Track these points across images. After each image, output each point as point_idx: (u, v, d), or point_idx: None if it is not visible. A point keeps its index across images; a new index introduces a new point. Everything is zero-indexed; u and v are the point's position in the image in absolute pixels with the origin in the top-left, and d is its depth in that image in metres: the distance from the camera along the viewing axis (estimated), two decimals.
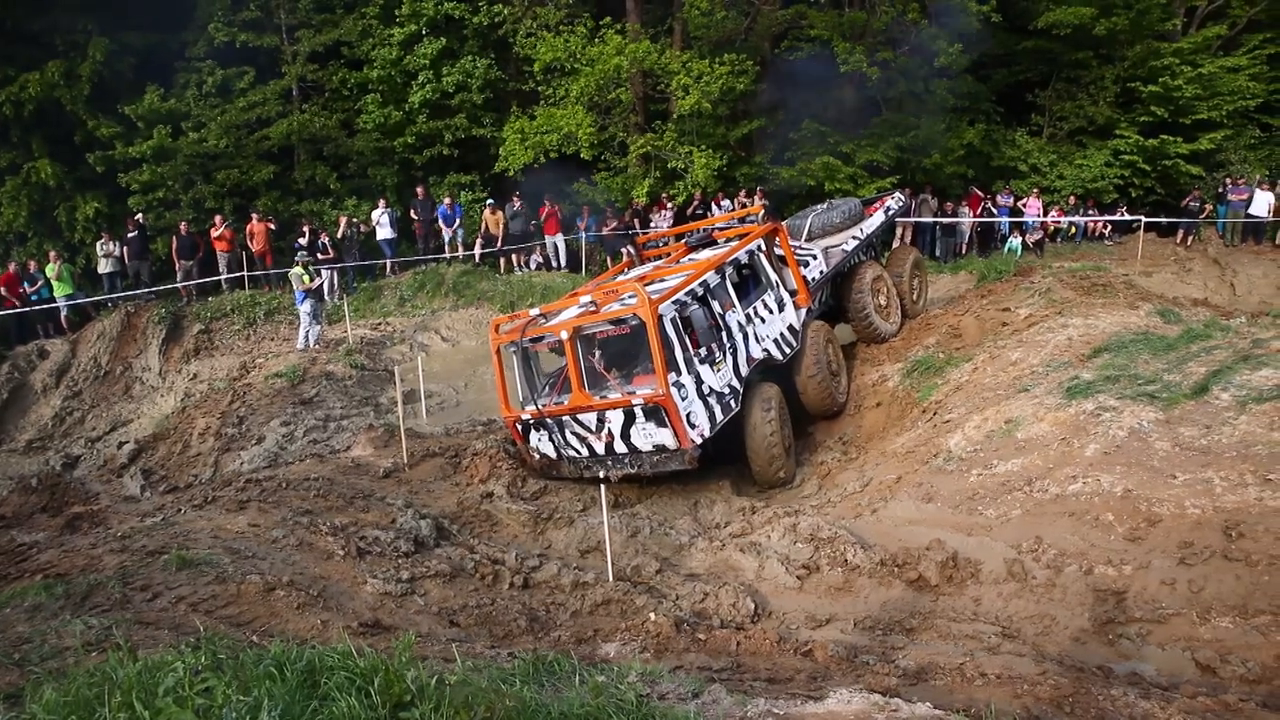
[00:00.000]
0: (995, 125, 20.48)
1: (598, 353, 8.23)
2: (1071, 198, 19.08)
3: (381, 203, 17.44)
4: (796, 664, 4.78)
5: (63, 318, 15.32)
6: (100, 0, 17.06)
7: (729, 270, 9.06)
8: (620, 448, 7.99)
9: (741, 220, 11.85)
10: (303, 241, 15.70)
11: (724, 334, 8.48)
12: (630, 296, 7.93)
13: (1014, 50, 19.79)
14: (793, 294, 9.77)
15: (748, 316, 8.95)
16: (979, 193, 18.93)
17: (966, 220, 18.63)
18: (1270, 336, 7.80)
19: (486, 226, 17.50)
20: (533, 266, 17.97)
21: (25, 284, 15.00)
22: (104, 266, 15.81)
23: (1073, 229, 19.13)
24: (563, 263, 17.85)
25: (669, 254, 11.44)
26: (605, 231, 17.47)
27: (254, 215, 16.65)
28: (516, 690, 3.17)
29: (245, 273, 16.36)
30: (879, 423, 9.46)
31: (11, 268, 15.04)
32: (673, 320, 7.86)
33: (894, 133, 18.57)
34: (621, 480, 8.28)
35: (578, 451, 8.27)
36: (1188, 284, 15.98)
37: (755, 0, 18.81)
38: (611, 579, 6.35)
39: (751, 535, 6.78)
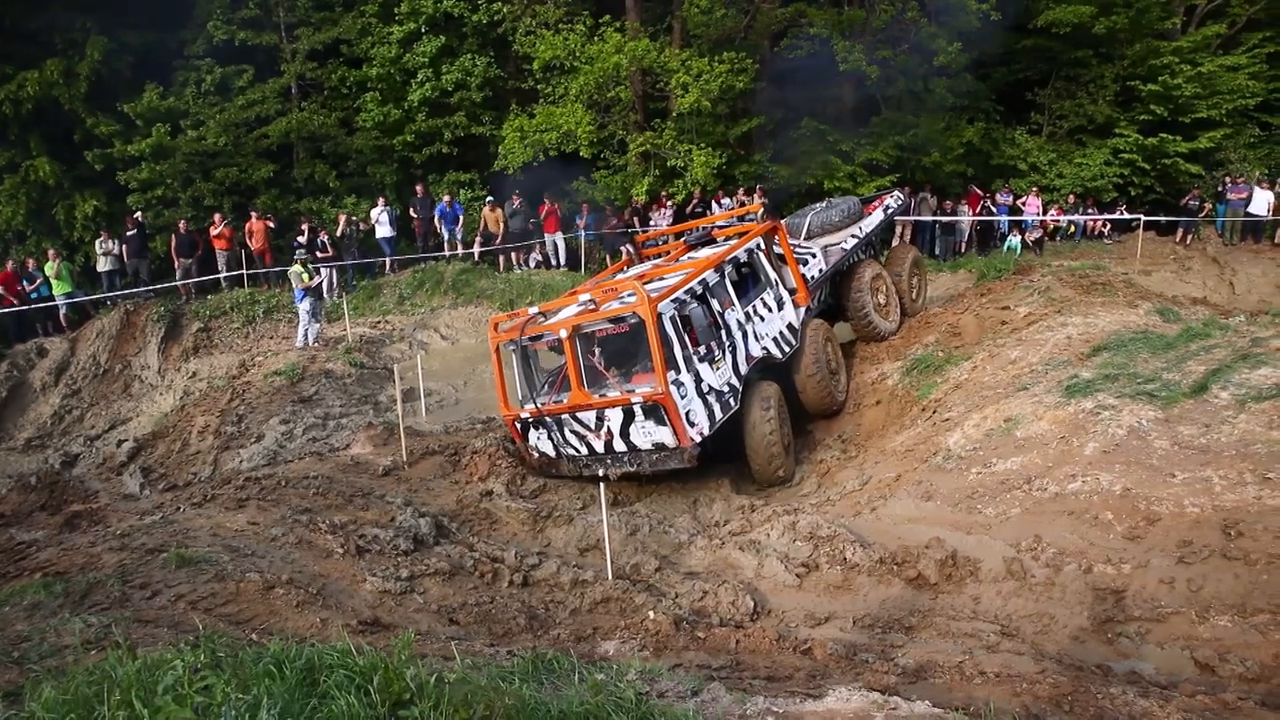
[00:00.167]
0: (994, 124, 20.45)
1: (597, 351, 8.23)
2: (1071, 196, 19.06)
3: (381, 201, 17.42)
4: (795, 662, 4.78)
5: (62, 316, 15.30)
6: None
7: (728, 269, 9.05)
8: (619, 446, 7.99)
9: (741, 219, 11.84)
10: (302, 240, 15.68)
11: (723, 332, 8.48)
12: (629, 295, 7.93)
13: (1013, 49, 19.78)
14: (792, 292, 9.77)
15: (747, 315, 8.94)
16: (978, 191, 18.92)
17: (966, 219, 18.62)
18: (1269, 335, 7.81)
19: (486, 224, 17.49)
20: (532, 265, 17.95)
21: (24, 282, 14.98)
22: (103, 265, 15.80)
23: (1072, 228, 19.12)
24: (562, 261, 17.84)
25: (668, 252, 11.44)
26: (604, 230, 17.46)
27: (253, 213, 16.63)
28: (516, 688, 3.17)
29: (244, 271, 16.35)
30: (878, 421, 9.46)
31: (10, 266, 15.00)
32: (672, 318, 7.86)
33: (893, 131, 18.55)
34: (621, 478, 8.28)
35: (577, 450, 8.27)
36: (1187, 283, 15.99)
37: None
38: (611, 577, 6.35)
39: (751, 533, 6.79)
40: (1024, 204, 18.60)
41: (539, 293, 15.31)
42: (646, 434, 7.79)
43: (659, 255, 11.54)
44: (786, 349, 9.42)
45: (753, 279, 9.59)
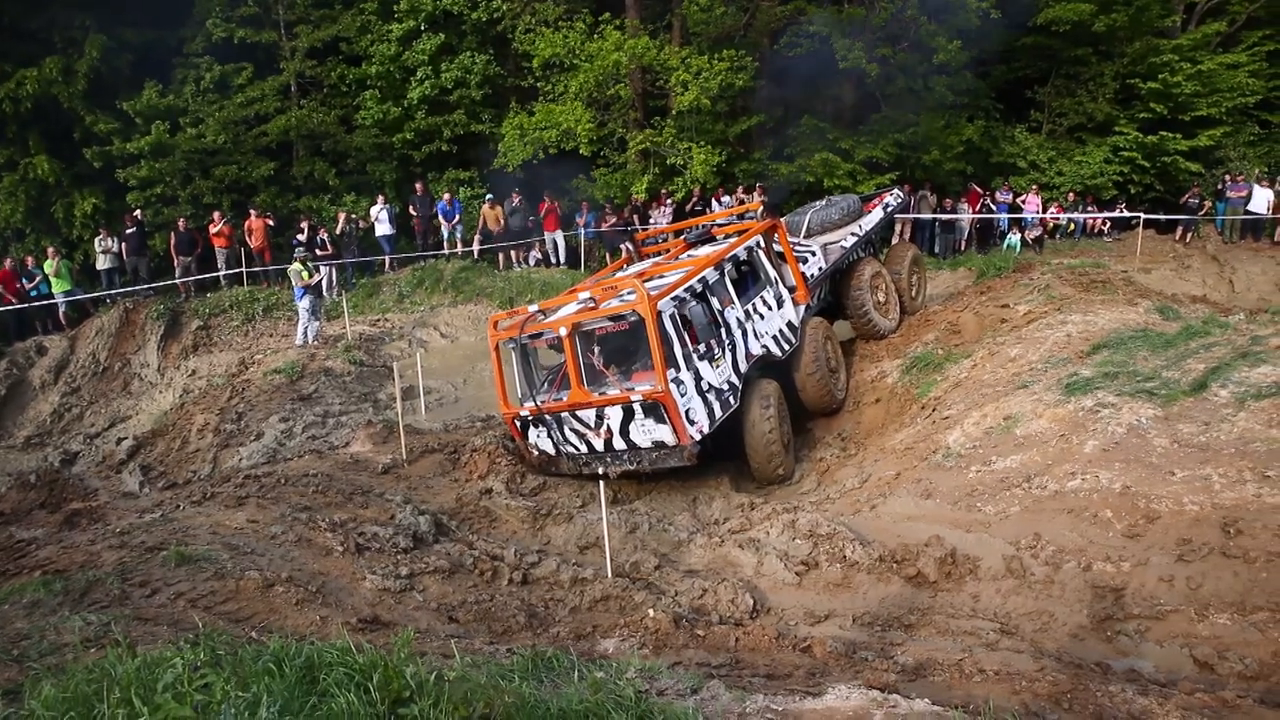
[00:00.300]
0: (994, 122, 20.44)
1: (596, 349, 8.22)
2: (1070, 194, 19.05)
3: (380, 199, 17.42)
4: (795, 660, 4.78)
5: (61, 314, 15.29)
6: None
7: (728, 267, 9.05)
8: (619, 444, 7.98)
9: (740, 217, 11.82)
10: (301, 238, 15.65)
11: (723, 330, 8.47)
12: (629, 293, 7.93)
13: (1013, 46, 19.76)
14: (791, 290, 9.77)
15: (746, 313, 8.94)
16: (978, 189, 18.91)
17: (965, 217, 18.61)
18: (1269, 333, 7.80)
19: (485, 222, 17.48)
20: (531, 263, 17.95)
21: (23, 280, 14.97)
22: (102, 263, 15.79)
23: (1072, 225, 19.11)
24: (561, 259, 17.84)
25: (668, 250, 11.43)
26: (604, 227, 17.45)
27: (252, 211, 16.61)
28: (515, 686, 3.17)
29: (244, 269, 16.34)
30: (878, 419, 9.46)
31: (9, 264, 15.00)
32: (671, 316, 7.86)
33: (893, 129, 18.54)
34: (620, 476, 8.28)
35: (576, 448, 8.27)
36: (1186, 281, 15.98)
37: None
38: (610, 575, 6.35)
39: (750, 531, 6.78)
40: (1024, 202, 18.60)
41: (538, 291, 15.30)
42: (646, 432, 7.79)
43: (658, 253, 11.53)
44: (786, 347, 9.42)
45: (752, 277, 9.59)
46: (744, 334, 8.74)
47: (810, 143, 18.38)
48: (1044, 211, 18.56)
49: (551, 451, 8.46)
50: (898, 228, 17.73)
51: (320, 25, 19.41)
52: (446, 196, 17.79)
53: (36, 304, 15.01)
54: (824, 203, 12.32)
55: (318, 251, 15.64)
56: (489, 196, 17.83)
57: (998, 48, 19.02)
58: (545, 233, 17.66)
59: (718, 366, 8.20)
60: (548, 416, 8.21)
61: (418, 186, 18.11)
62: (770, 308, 9.34)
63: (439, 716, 2.73)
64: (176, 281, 15.92)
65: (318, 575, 5.90)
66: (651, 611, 5.57)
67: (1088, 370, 7.60)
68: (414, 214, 17.81)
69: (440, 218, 17.44)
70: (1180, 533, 5.20)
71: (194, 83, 18.28)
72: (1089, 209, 19.15)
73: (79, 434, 12.64)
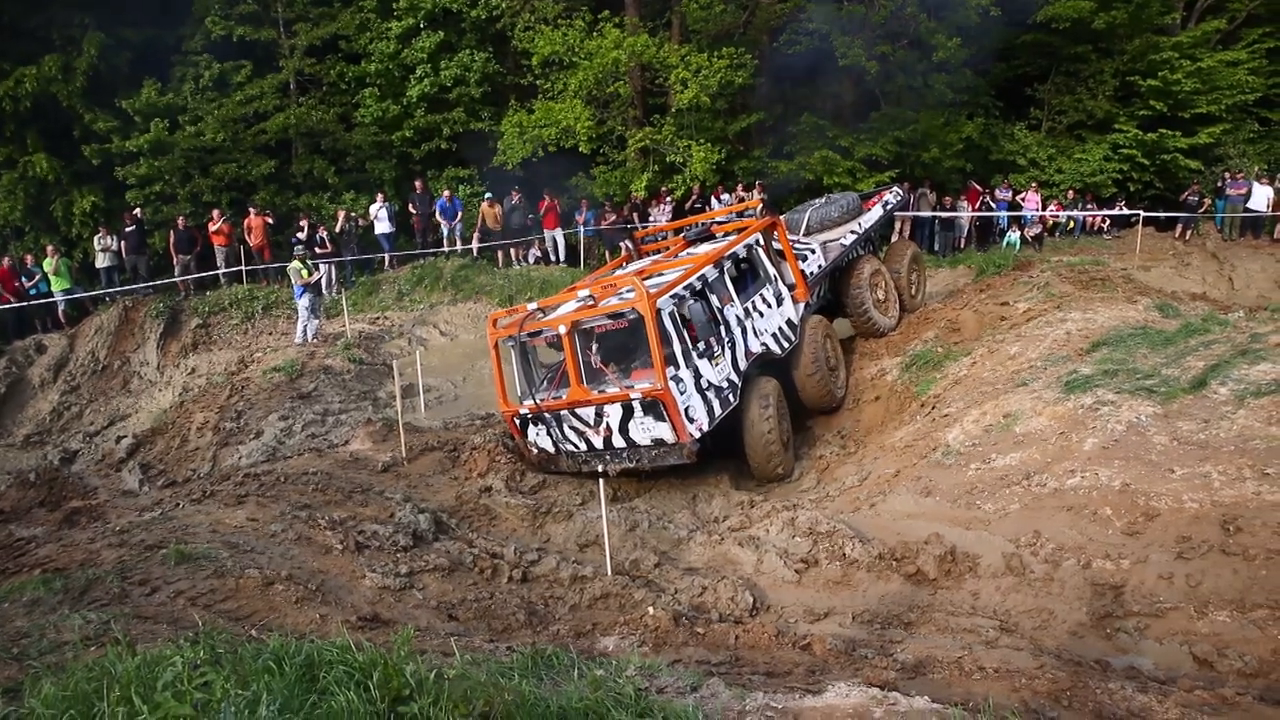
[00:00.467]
0: (994, 119, 20.43)
1: (596, 347, 8.21)
2: (1070, 192, 19.04)
3: (379, 197, 17.40)
4: (795, 657, 4.79)
5: (60, 312, 15.29)
6: None
7: (727, 264, 9.04)
8: (618, 442, 7.98)
9: (740, 214, 11.81)
10: (301, 236, 15.64)
11: (722, 328, 8.46)
12: (628, 290, 7.92)
13: (1013, 44, 19.75)
14: (791, 288, 9.76)
15: (746, 311, 8.93)
16: (977, 187, 18.88)
17: (965, 214, 18.59)
18: (1268, 331, 7.80)
19: (484, 220, 17.46)
20: (531, 260, 17.94)
21: (22, 278, 14.97)
22: (101, 261, 15.79)
23: (1071, 223, 19.11)
24: (561, 257, 17.83)
25: (667, 248, 11.42)
26: (603, 225, 17.45)
27: (251, 209, 16.60)
28: (515, 684, 3.17)
29: (243, 267, 16.34)
30: (877, 417, 9.46)
31: (8, 262, 14.99)
32: (671, 314, 7.85)
33: (892, 127, 18.53)
34: (620, 474, 8.28)
35: (576, 446, 8.27)
36: (1186, 278, 15.98)
37: None
38: (610, 573, 6.35)
39: (750, 529, 6.79)
40: (1023, 199, 18.59)
41: (538, 288, 15.30)
42: (645, 430, 7.79)
43: (658, 251, 11.52)
44: (786, 345, 9.41)
45: (752, 275, 9.58)
46: (743, 332, 8.74)
47: (810, 140, 18.36)
48: (1043, 209, 18.55)
49: (551, 449, 8.46)
50: (897, 225, 17.70)
51: (319, 23, 19.40)
52: (446, 194, 17.77)
53: (36, 302, 15.01)
54: (823, 200, 12.30)
55: (317, 250, 15.62)
56: (488, 194, 17.82)
57: (997, 45, 18.99)
58: (545, 230, 17.65)
59: (717, 364, 8.20)
60: (547, 414, 8.21)
61: (417, 184, 18.09)
62: (770, 305, 9.34)
63: (439, 714, 2.72)
64: (176, 280, 15.92)
65: (317, 573, 5.90)
66: (651, 609, 5.58)
67: (1087, 368, 7.60)
68: (413, 212, 17.79)
69: (440, 216, 17.44)
70: (1180, 530, 5.20)
71: (193, 81, 18.26)
72: (1088, 207, 19.15)
73: (78, 432, 12.64)
